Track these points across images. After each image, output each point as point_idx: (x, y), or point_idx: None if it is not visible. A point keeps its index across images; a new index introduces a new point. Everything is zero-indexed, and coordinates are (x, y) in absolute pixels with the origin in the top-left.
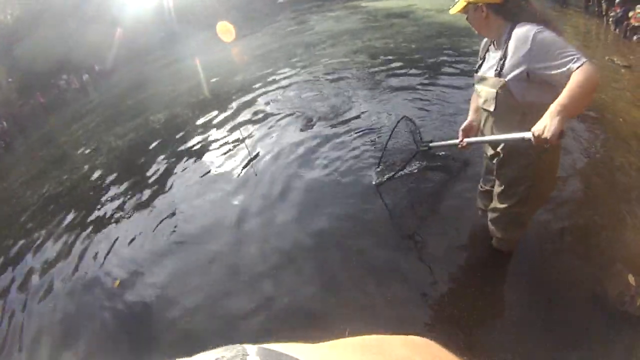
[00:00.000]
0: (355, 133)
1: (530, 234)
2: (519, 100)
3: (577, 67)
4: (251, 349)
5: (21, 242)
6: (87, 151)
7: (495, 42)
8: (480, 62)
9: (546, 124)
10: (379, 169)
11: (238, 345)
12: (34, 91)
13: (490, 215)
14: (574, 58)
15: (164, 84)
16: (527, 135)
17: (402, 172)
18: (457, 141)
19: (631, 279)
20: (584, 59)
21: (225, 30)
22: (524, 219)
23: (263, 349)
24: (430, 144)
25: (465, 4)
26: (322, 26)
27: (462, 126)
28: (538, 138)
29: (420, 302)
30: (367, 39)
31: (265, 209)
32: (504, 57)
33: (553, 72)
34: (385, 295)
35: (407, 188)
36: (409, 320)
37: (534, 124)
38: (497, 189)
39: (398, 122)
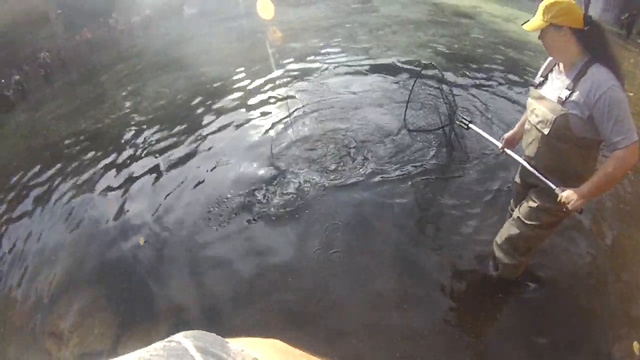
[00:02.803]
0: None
1: (544, 275)
2: (575, 133)
3: (622, 147)
4: (185, 340)
5: (48, 178)
6: (129, 94)
7: (563, 66)
8: (541, 79)
9: (573, 199)
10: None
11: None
12: (81, 27)
13: (505, 233)
14: (625, 136)
15: (216, 41)
16: (558, 191)
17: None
18: (498, 143)
19: (636, 347)
20: (632, 140)
21: (265, 6)
22: (537, 244)
23: (195, 335)
24: (470, 124)
25: (547, 24)
26: (387, 9)
27: (506, 135)
28: (563, 203)
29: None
30: (432, 34)
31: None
32: (572, 89)
33: (603, 131)
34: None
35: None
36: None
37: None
38: (531, 203)
39: (422, 69)
